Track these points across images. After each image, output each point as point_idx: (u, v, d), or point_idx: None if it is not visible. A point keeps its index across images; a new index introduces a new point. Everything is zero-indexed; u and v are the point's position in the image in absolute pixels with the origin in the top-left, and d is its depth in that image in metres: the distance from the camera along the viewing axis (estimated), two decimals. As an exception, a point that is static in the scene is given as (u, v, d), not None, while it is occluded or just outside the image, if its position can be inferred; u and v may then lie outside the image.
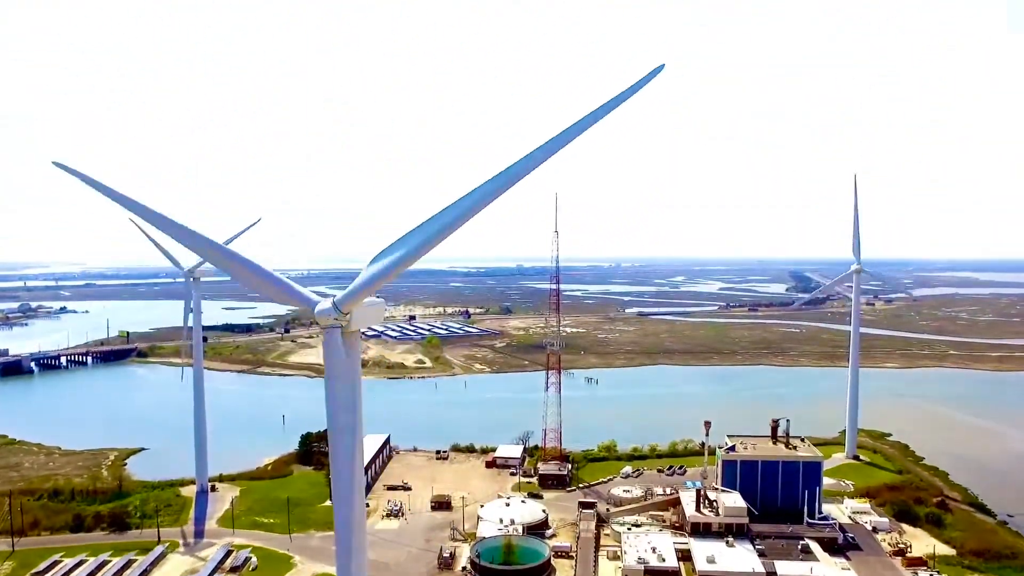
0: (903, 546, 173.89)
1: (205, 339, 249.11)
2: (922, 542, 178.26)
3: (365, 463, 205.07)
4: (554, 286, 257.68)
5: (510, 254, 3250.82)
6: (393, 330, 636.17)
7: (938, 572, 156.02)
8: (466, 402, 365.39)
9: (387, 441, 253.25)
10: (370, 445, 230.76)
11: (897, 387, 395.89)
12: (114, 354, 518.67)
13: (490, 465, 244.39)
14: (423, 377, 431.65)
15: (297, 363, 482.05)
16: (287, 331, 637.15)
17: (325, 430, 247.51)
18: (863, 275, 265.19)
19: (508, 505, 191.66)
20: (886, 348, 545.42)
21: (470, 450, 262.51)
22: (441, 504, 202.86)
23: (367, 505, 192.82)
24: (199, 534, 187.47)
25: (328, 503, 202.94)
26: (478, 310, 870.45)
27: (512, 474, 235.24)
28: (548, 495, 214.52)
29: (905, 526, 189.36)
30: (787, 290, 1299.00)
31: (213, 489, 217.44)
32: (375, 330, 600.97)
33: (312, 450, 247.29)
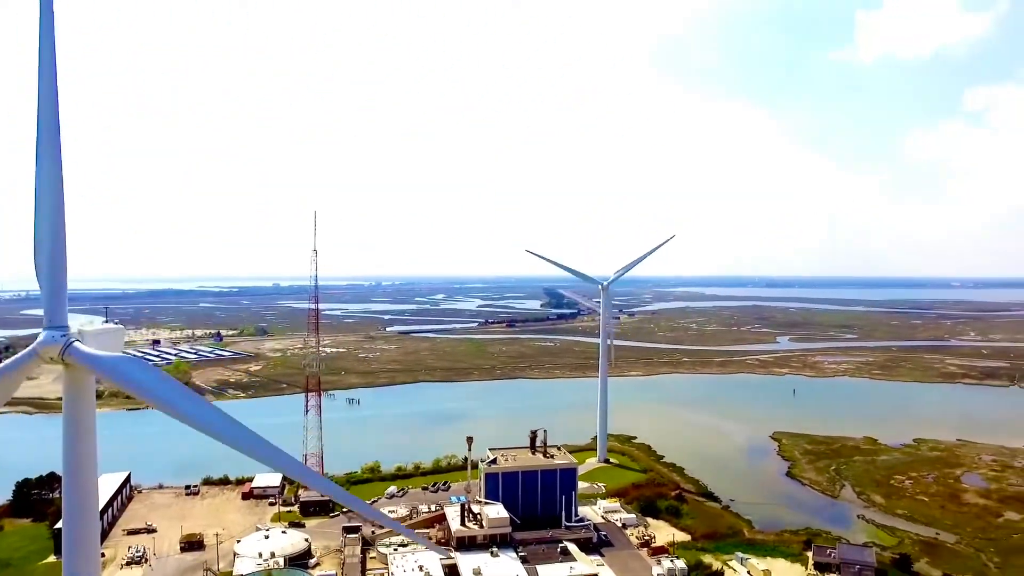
0: (648, 538, 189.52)
1: None
2: (664, 532, 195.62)
3: (101, 506, 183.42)
4: (313, 305, 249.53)
5: (266, 272, 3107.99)
6: (134, 356, 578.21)
7: (677, 557, 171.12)
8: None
9: (127, 480, 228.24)
10: (106, 486, 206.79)
11: (641, 393, 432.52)
12: None
13: (247, 496, 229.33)
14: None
15: (11, 397, 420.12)
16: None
17: (47, 475, 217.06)
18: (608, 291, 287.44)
19: (267, 537, 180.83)
20: (630, 358, 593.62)
21: (224, 482, 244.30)
22: (192, 544, 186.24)
23: (102, 555, 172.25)
24: None
25: (53, 559, 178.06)
26: (231, 332, 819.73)
27: (271, 504, 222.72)
28: (311, 523, 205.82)
29: (649, 519, 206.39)
30: (541, 306, 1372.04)
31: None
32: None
33: (31, 499, 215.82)
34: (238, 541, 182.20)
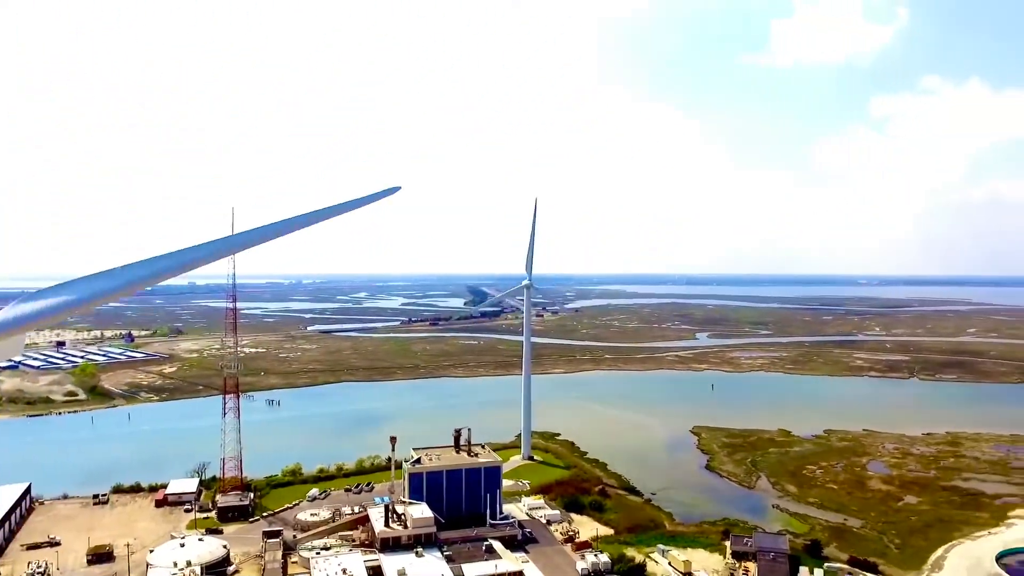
0: (572, 533, 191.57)
1: None
2: (587, 527, 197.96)
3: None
4: (231, 304, 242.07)
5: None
6: (35, 359, 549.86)
7: (600, 551, 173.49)
8: (131, 436, 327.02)
9: (27, 491, 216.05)
10: (2, 499, 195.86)
11: (564, 391, 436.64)
12: None
13: (160, 504, 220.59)
14: (75, 411, 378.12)
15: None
16: None
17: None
18: (532, 290, 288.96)
19: (183, 546, 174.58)
20: (553, 356, 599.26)
21: (136, 489, 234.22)
22: (100, 556, 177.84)
23: None
24: None
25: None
26: (143, 332, 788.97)
27: (187, 511, 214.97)
28: (229, 529, 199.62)
29: (573, 515, 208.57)
30: (465, 304, 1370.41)
31: None
32: (11, 360, 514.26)
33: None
34: (151, 551, 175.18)
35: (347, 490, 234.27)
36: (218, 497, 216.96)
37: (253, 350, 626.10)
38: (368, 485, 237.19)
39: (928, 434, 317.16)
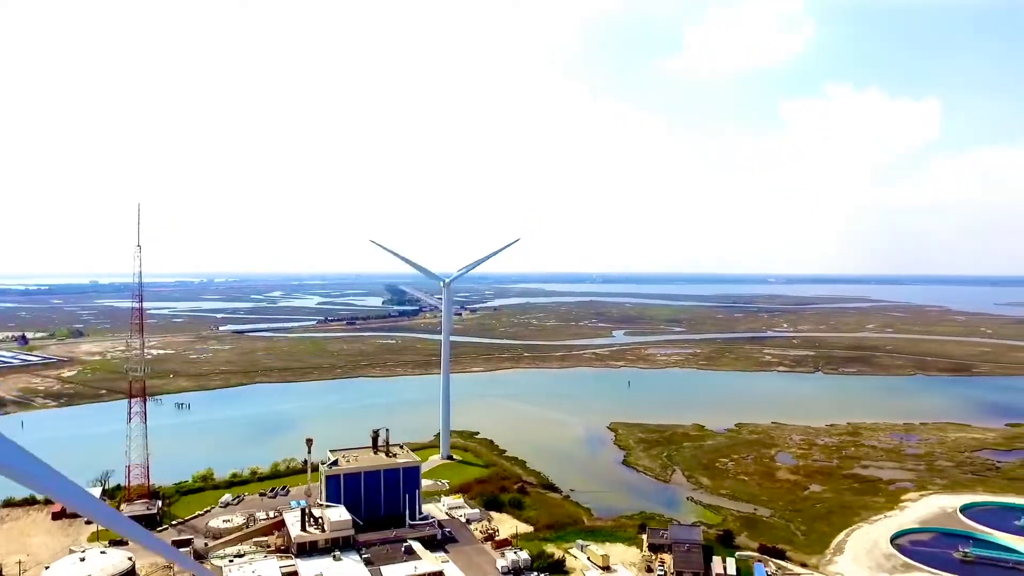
0: (492, 531, 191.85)
1: None
2: (507, 525, 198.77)
3: None
4: (136, 304, 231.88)
5: (82, 269, 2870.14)
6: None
7: (520, 548, 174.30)
8: (24, 446, 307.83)
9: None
10: None
11: (483, 389, 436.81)
12: None
13: (58, 516, 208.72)
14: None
15: None
16: None
17: None
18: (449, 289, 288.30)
19: (83, 560, 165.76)
20: (472, 354, 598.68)
21: (30, 502, 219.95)
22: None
23: None
24: None
25: None
26: (40, 334, 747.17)
27: (88, 522, 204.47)
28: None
29: (493, 513, 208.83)
30: (383, 303, 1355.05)
31: None
32: None
33: None
34: (47, 567, 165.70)
35: (262, 494, 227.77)
36: (123, 506, 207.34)
37: (161, 352, 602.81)
38: (284, 489, 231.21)
39: (831, 425, 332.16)
